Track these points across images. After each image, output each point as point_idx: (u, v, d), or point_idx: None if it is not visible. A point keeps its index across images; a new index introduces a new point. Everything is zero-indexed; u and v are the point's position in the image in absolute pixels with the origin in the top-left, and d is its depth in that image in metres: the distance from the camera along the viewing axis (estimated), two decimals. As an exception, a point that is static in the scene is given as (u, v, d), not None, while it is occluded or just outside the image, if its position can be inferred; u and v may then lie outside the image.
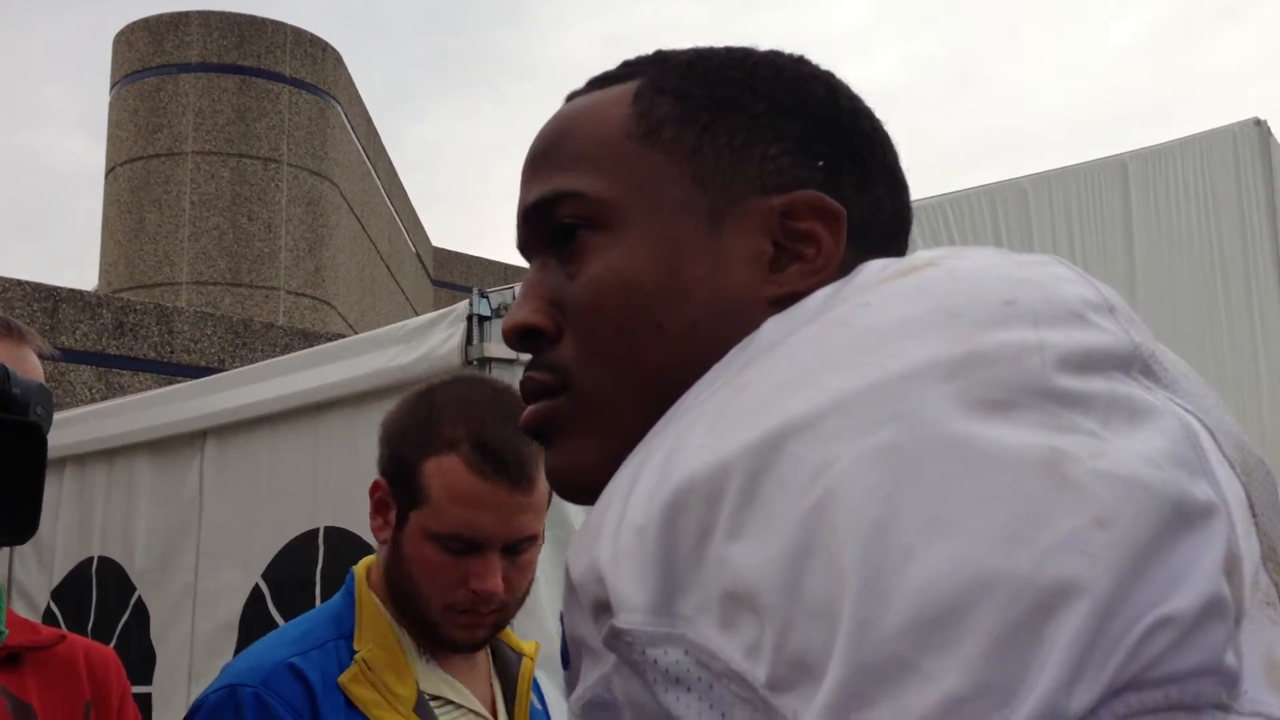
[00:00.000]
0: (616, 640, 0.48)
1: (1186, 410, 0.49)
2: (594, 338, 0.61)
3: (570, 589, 0.52)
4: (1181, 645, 0.42)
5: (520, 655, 1.52)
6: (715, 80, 0.63)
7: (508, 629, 1.52)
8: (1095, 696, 0.41)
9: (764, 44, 0.67)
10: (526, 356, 0.65)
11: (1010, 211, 3.81)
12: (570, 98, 0.67)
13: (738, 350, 0.54)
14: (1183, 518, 0.44)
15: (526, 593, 1.44)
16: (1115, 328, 0.50)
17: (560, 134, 0.65)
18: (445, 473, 1.36)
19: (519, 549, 1.40)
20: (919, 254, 0.55)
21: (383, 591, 1.43)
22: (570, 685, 0.55)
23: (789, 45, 0.67)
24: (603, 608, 0.49)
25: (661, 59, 0.66)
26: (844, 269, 0.58)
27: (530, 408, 0.63)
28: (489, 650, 1.50)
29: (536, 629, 2.48)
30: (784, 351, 0.51)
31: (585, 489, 0.61)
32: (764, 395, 0.49)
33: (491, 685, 1.48)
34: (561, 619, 0.55)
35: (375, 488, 1.44)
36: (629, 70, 0.66)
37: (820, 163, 0.62)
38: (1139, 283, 4.10)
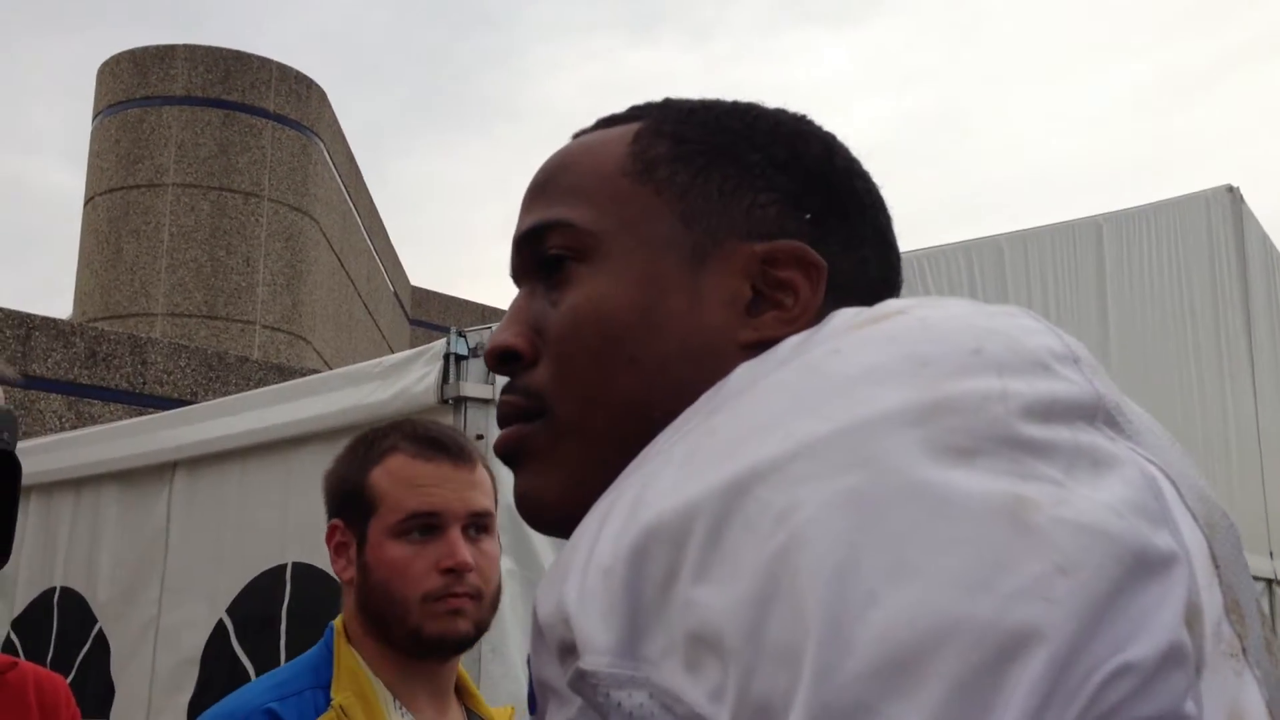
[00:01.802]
0: (581, 682, 0.49)
1: (1149, 461, 0.50)
2: (568, 365, 0.62)
3: (537, 630, 0.53)
4: (1141, 693, 0.42)
5: None
6: (714, 128, 0.65)
7: (478, 696, 1.53)
8: None
9: (755, 94, 0.70)
10: (502, 396, 0.67)
11: (986, 268, 3.85)
12: (576, 135, 0.69)
13: (709, 394, 0.55)
14: (1144, 566, 0.44)
15: (498, 591, 1.48)
16: (1079, 378, 0.51)
17: (559, 167, 0.66)
18: (391, 470, 1.44)
19: (479, 528, 1.46)
20: (889, 303, 0.55)
21: (359, 636, 1.44)
22: None
23: (776, 95, 0.69)
24: (568, 649, 0.49)
25: (666, 105, 0.68)
26: (820, 320, 0.58)
27: (504, 432, 0.64)
28: (465, 715, 1.50)
29: (504, 671, 2.46)
30: (754, 395, 0.52)
31: (550, 516, 0.62)
32: (733, 439, 0.49)
33: None
34: (529, 662, 0.55)
35: (331, 532, 1.48)
36: (635, 113, 0.68)
37: (808, 216, 0.63)
38: (1112, 341, 4.14)
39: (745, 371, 0.54)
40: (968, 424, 0.46)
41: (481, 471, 1.49)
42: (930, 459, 0.45)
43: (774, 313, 0.61)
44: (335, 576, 1.48)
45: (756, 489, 0.46)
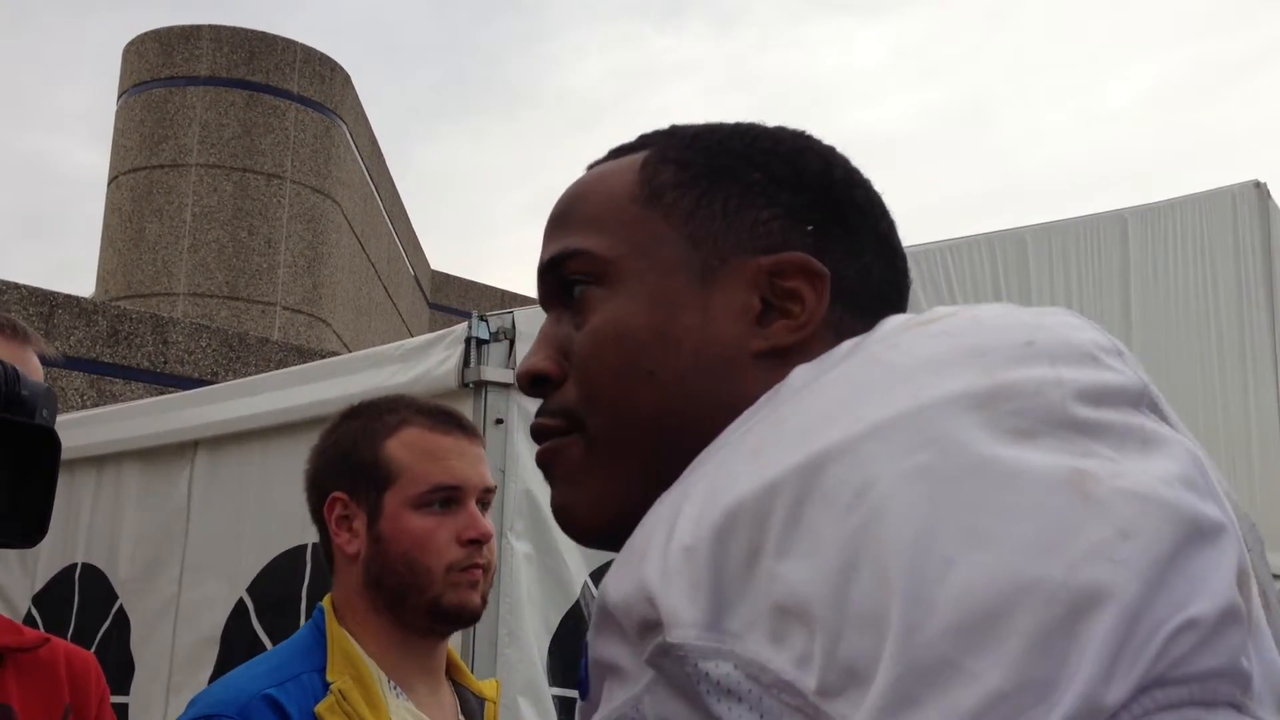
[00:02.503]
0: (664, 657, 0.52)
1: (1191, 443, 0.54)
2: (592, 383, 0.66)
3: (604, 614, 0.56)
4: (1204, 647, 0.46)
5: (483, 701, 1.53)
6: (715, 151, 0.69)
7: (466, 670, 1.54)
8: (1128, 691, 0.44)
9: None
10: (536, 418, 0.69)
11: (1009, 260, 3.83)
12: (590, 166, 0.74)
13: (769, 395, 0.59)
14: (1198, 532, 0.48)
15: (495, 568, 1.50)
16: (1126, 368, 0.55)
17: (575, 198, 0.71)
18: (410, 441, 1.45)
19: (485, 503, 1.48)
20: (936, 309, 0.59)
21: (358, 614, 1.43)
22: (586, 714, 0.58)
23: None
24: (649, 626, 0.53)
25: (671, 132, 0.72)
26: (829, 327, 0.65)
27: (544, 445, 0.68)
28: (455, 692, 1.50)
29: (520, 656, 2.47)
30: (819, 387, 0.56)
31: (587, 526, 0.66)
32: (803, 426, 0.53)
33: None
34: (584, 649, 0.58)
35: (331, 504, 1.46)
36: (643, 142, 0.72)
37: (810, 228, 0.67)
38: (1135, 335, 4.12)
39: (803, 372, 0.59)
40: (1026, 407, 0.50)
41: (483, 448, 1.53)
42: (994, 438, 0.49)
43: (783, 321, 0.65)
44: (339, 550, 1.47)
45: (832, 467, 0.50)
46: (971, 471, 0.48)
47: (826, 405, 0.54)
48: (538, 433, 0.68)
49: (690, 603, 0.51)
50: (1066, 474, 0.48)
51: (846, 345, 0.59)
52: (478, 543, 1.42)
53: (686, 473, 0.58)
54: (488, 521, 1.46)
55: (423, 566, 1.40)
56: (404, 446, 1.44)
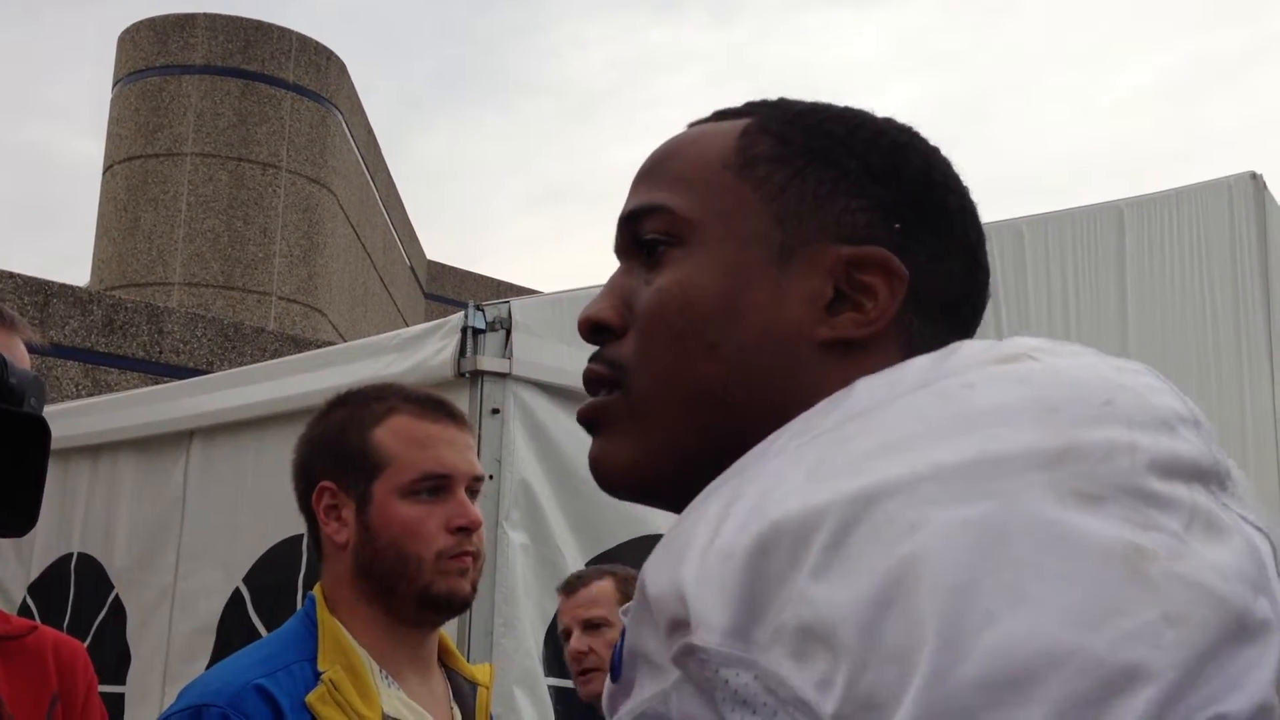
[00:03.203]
0: (688, 658, 0.52)
1: (1256, 528, 0.53)
2: (651, 342, 0.65)
3: (643, 602, 0.56)
4: None
5: (475, 686, 1.52)
6: (817, 131, 0.68)
7: (457, 654, 1.54)
8: None
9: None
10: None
11: (1006, 251, 3.83)
12: (691, 124, 0.72)
13: (828, 403, 0.58)
14: (1243, 629, 0.47)
15: (483, 556, 1.49)
16: (1200, 441, 0.54)
17: (668, 154, 0.70)
18: (398, 429, 1.44)
19: (474, 491, 1.47)
20: (1016, 341, 0.58)
21: (348, 603, 1.43)
22: (616, 697, 0.58)
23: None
24: (678, 625, 0.52)
25: (778, 104, 0.70)
26: (897, 328, 0.64)
27: (586, 402, 0.68)
28: (446, 678, 1.50)
29: (516, 645, 2.47)
30: (889, 414, 0.55)
31: (619, 482, 0.66)
32: (866, 452, 0.53)
33: (451, 711, 1.48)
34: (623, 632, 0.58)
35: (319, 494, 1.46)
36: (748, 109, 0.71)
37: (897, 226, 0.66)
38: (1130, 326, 4.12)
39: (870, 388, 0.58)
40: (1095, 471, 0.50)
41: (472, 436, 1.52)
42: (1056, 500, 0.48)
43: (852, 314, 0.64)
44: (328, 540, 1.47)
45: (886, 502, 0.49)
46: (1027, 530, 0.47)
47: (892, 435, 0.53)
48: (587, 378, 0.68)
49: (720, 608, 0.51)
50: (1124, 548, 0.47)
51: (921, 366, 0.58)
52: (466, 530, 1.42)
53: (740, 467, 0.57)
54: (476, 509, 1.46)
55: (412, 555, 1.40)
56: (392, 434, 1.44)
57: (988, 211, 0.71)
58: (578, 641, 2.39)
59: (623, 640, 0.58)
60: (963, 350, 0.58)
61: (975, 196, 0.71)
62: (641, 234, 0.67)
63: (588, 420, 0.67)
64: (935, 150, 0.70)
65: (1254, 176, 4.80)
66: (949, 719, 0.44)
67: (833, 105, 0.70)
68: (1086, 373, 0.55)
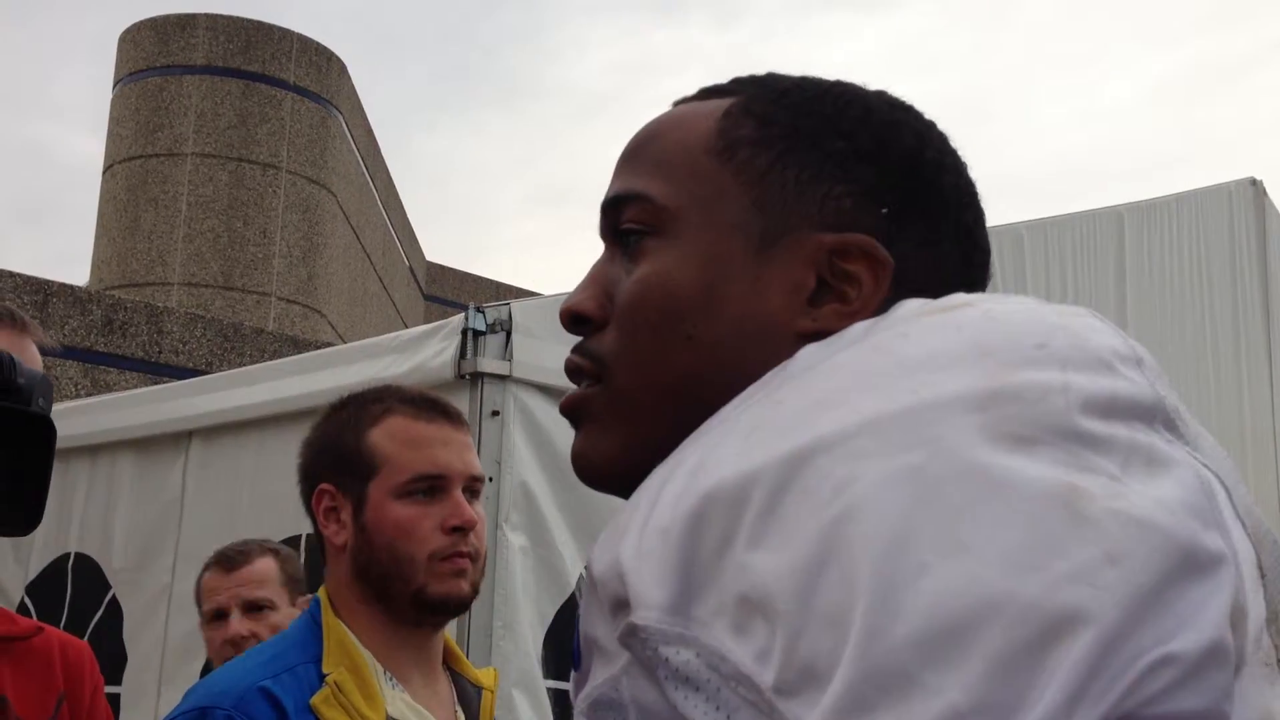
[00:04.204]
0: (631, 637, 0.50)
1: (1204, 465, 0.51)
2: (630, 335, 0.63)
3: (591, 586, 0.54)
4: (1183, 686, 0.43)
5: (480, 689, 1.52)
6: (802, 111, 0.65)
7: (463, 658, 1.54)
8: None
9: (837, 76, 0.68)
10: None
11: (1006, 256, 3.83)
12: (677, 103, 0.70)
13: (774, 372, 0.56)
14: (1192, 563, 0.45)
15: (485, 556, 1.49)
16: (1141, 379, 0.52)
17: (650, 137, 0.67)
18: (392, 431, 1.44)
19: (473, 491, 1.46)
20: (956, 295, 0.57)
21: (350, 605, 1.43)
22: (578, 686, 0.57)
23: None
24: (621, 605, 0.51)
25: (764, 81, 0.67)
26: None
27: (569, 394, 0.66)
28: (451, 682, 1.50)
29: (515, 648, 2.47)
30: (821, 371, 0.54)
31: (600, 476, 0.65)
32: (797, 411, 0.51)
33: (456, 714, 1.47)
34: (577, 619, 0.57)
35: (319, 496, 1.46)
36: (734, 87, 0.68)
37: (884, 210, 0.63)
38: (1130, 331, 4.08)
39: (811, 351, 0.56)
40: (1028, 413, 0.48)
41: (470, 436, 1.52)
42: (989, 443, 0.47)
43: (835, 305, 0.62)
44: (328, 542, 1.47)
45: (818, 459, 0.48)
46: (960, 476, 0.46)
47: (824, 392, 0.51)
48: (568, 369, 0.67)
49: (658, 585, 0.49)
50: (1060, 488, 0.45)
51: (860, 327, 0.56)
52: (462, 530, 1.41)
53: (684, 445, 0.55)
54: (476, 509, 1.46)
55: (405, 555, 1.40)
56: (387, 436, 1.44)
57: (988, 216, 0.69)
58: (238, 624, 2.20)
59: (579, 626, 0.57)
60: (900, 307, 0.57)
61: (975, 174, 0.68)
62: (621, 222, 0.66)
63: (570, 413, 0.66)
64: (930, 126, 0.67)
65: (1254, 182, 4.80)
66: (886, 681, 0.43)
67: (822, 81, 0.67)
68: (1022, 316, 0.53)
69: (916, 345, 0.52)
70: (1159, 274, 4.32)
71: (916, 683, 0.42)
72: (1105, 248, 4.17)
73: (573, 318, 0.66)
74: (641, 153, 0.67)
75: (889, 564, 0.44)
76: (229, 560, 2.31)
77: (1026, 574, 0.43)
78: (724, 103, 0.66)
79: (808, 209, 0.63)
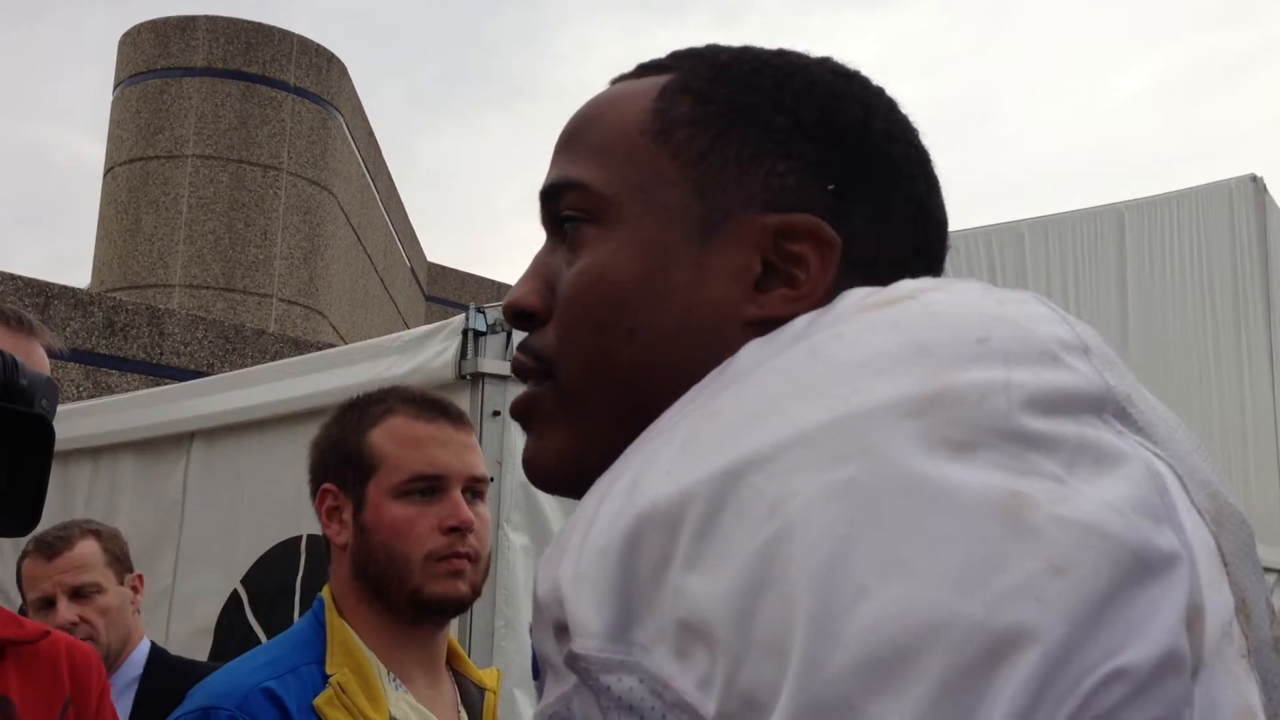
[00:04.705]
0: (574, 663, 0.49)
1: (1157, 456, 0.49)
2: (570, 330, 0.61)
3: (537, 606, 0.53)
4: (1135, 699, 0.41)
5: (483, 690, 1.52)
6: (741, 86, 0.62)
7: (467, 659, 1.53)
8: None
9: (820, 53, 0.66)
10: (516, 353, 0.68)
11: (1006, 254, 3.83)
12: (614, 81, 0.67)
13: (716, 373, 0.54)
14: (1143, 567, 0.43)
15: (489, 557, 1.48)
16: (1088, 369, 0.49)
17: (586, 120, 0.65)
18: (391, 431, 1.44)
19: (475, 493, 1.46)
20: (901, 285, 0.54)
21: (352, 605, 1.43)
22: (538, 696, 0.55)
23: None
24: (563, 629, 0.49)
25: (700, 56, 0.64)
26: (831, 299, 0.57)
27: (518, 395, 0.64)
28: (455, 682, 1.50)
29: (517, 648, 2.47)
30: (757, 378, 0.51)
31: (551, 478, 0.62)
32: (731, 423, 0.49)
33: (459, 716, 1.47)
34: (530, 631, 0.55)
35: (322, 496, 1.47)
36: (671, 61, 0.65)
37: (831, 186, 0.60)
38: (1131, 329, 4.12)
39: (753, 352, 0.54)
40: (967, 416, 0.46)
41: (474, 436, 1.51)
42: (927, 452, 0.45)
43: (783, 289, 0.59)
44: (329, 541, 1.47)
45: (750, 476, 0.46)
46: (897, 490, 0.44)
47: (759, 402, 0.49)
48: (515, 368, 0.65)
49: (596, 611, 0.47)
50: (1000, 496, 0.43)
51: (801, 322, 0.54)
52: (459, 531, 1.41)
53: (624, 455, 0.53)
54: (479, 510, 1.45)
55: (401, 555, 1.39)
56: (386, 436, 1.44)
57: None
58: (66, 611, 2.18)
59: (532, 641, 0.55)
60: (844, 300, 0.54)
61: (927, 141, 0.64)
62: (560, 211, 0.63)
63: (520, 414, 0.63)
64: (878, 94, 0.64)
65: (1254, 179, 4.79)
66: (827, 712, 0.41)
67: (763, 52, 0.64)
68: (963, 309, 0.50)
69: (852, 347, 0.49)
70: (1160, 271, 4.32)
71: (857, 713, 0.41)
72: (1106, 246, 4.17)
73: (516, 313, 0.64)
74: (577, 137, 0.64)
75: (826, 588, 0.42)
76: (49, 547, 2.26)
77: (968, 592, 0.41)
78: (660, 80, 0.63)
79: (750, 190, 0.60)
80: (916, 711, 0.40)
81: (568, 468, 0.61)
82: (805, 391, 0.48)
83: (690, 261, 0.59)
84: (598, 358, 0.60)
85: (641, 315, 0.59)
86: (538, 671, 0.55)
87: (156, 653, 2.47)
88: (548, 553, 0.53)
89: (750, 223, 0.59)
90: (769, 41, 0.66)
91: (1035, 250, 3.94)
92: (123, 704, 2.34)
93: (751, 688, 0.43)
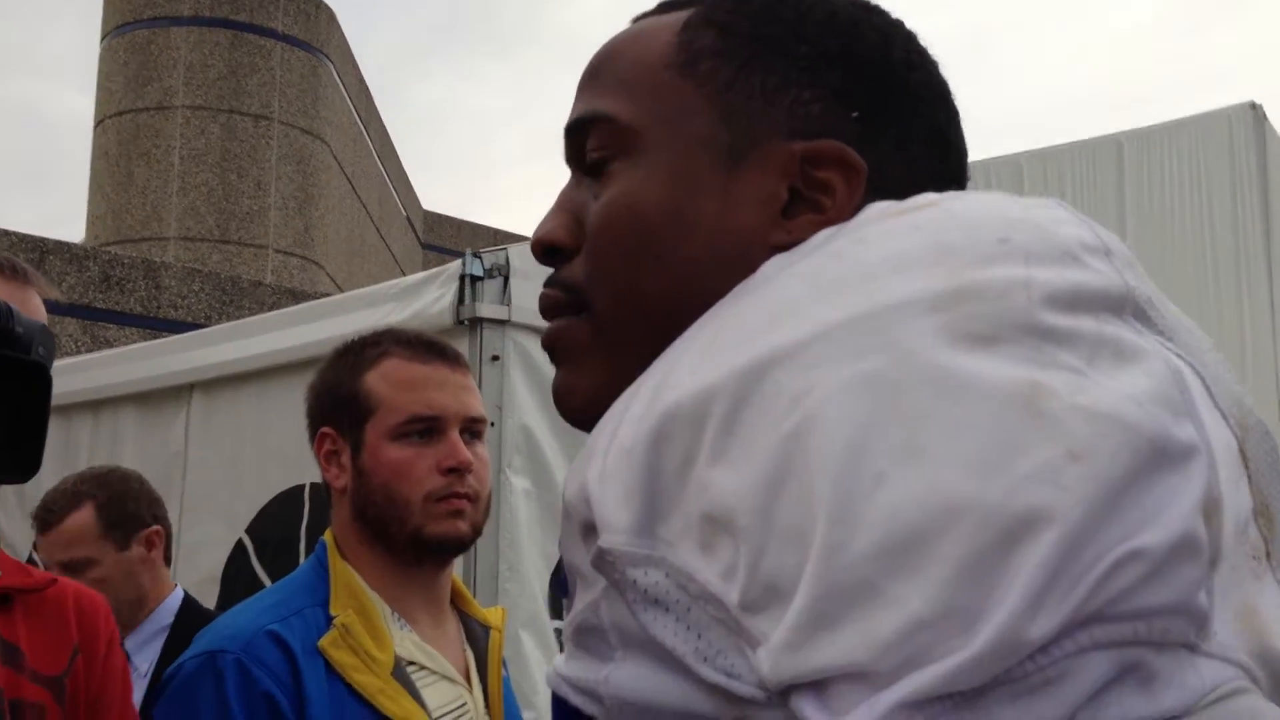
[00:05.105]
0: (601, 560, 0.50)
1: (1178, 355, 0.50)
2: (600, 261, 0.61)
3: (565, 513, 0.54)
4: (1150, 581, 0.42)
5: (488, 629, 1.53)
6: (764, 18, 0.63)
7: (471, 599, 1.54)
8: (1057, 625, 0.41)
9: None
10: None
11: (1005, 186, 3.80)
12: (635, 19, 0.68)
13: (740, 287, 0.55)
14: (1161, 456, 0.44)
15: (489, 497, 1.48)
16: (1109, 269, 0.50)
17: (609, 56, 0.65)
18: (387, 372, 1.44)
19: (473, 433, 1.46)
20: (921, 195, 0.55)
21: (353, 547, 1.43)
22: (567, 612, 0.56)
23: None
24: (590, 529, 0.51)
25: None
26: None
27: (548, 327, 0.64)
28: (459, 621, 1.50)
29: (521, 590, 2.49)
30: (778, 282, 0.52)
31: (582, 411, 0.62)
32: (753, 324, 0.50)
33: (465, 653, 1.48)
34: (560, 545, 0.56)
35: (321, 440, 1.47)
36: None
37: (855, 114, 0.61)
38: (1130, 262, 4.11)
39: (773, 262, 0.55)
40: (989, 311, 0.46)
41: (471, 377, 1.51)
42: (949, 345, 0.46)
43: (809, 215, 0.59)
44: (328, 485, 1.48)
45: (773, 372, 0.47)
46: (918, 380, 0.45)
47: (781, 303, 0.50)
48: (544, 305, 0.64)
49: (623, 507, 0.48)
50: (1020, 386, 0.44)
51: (823, 234, 0.55)
52: (458, 471, 1.41)
53: (649, 368, 0.54)
54: (477, 450, 1.45)
55: (400, 497, 1.40)
56: (382, 378, 1.43)
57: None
58: None
59: (561, 554, 0.56)
60: (868, 210, 0.55)
61: (945, 70, 0.65)
62: (586, 145, 0.63)
63: (551, 347, 0.64)
64: (897, 24, 0.65)
65: (1254, 107, 4.75)
66: (848, 594, 0.42)
67: None
68: (985, 212, 0.51)
69: (874, 249, 0.50)
70: (1159, 200, 4.30)
71: (878, 593, 0.42)
72: (1105, 176, 4.15)
73: (544, 248, 0.64)
74: (601, 72, 0.65)
75: (846, 475, 0.44)
76: (42, 520, 2.26)
77: (987, 477, 0.43)
78: (683, 14, 0.64)
79: (776, 118, 0.60)
80: (935, 591, 0.41)
81: (602, 399, 0.60)
82: (827, 291, 0.49)
83: (718, 189, 0.60)
84: (628, 287, 0.60)
85: (669, 243, 0.60)
86: (566, 588, 0.56)
87: (189, 603, 2.49)
88: (577, 459, 0.54)
89: (777, 150, 0.60)
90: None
91: (1033, 182, 3.92)
92: (147, 653, 2.36)
93: (774, 574, 0.44)
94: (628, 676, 0.49)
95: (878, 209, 0.54)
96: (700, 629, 0.47)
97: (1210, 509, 0.45)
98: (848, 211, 0.59)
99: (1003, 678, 0.41)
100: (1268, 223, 4.70)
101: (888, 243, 0.51)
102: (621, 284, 0.60)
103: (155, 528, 2.46)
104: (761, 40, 0.62)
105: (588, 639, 0.52)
